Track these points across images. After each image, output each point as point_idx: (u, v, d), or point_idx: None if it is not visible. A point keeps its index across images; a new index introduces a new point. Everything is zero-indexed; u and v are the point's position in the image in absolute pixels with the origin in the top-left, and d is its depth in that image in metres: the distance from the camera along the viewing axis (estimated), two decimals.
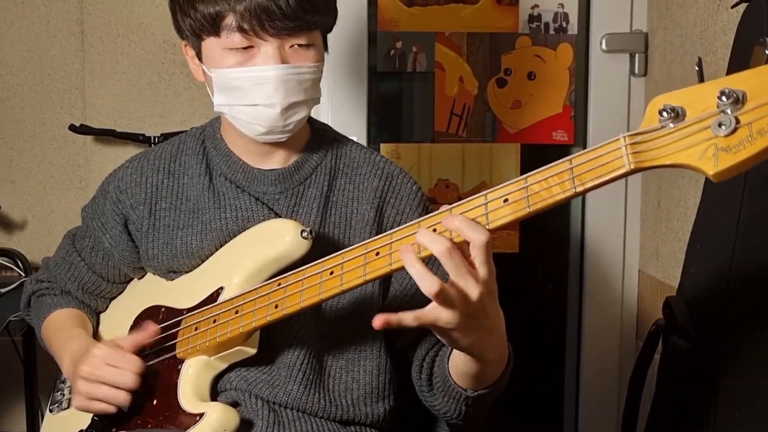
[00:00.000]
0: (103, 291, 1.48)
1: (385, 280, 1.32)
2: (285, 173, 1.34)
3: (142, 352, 1.30)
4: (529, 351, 1.81)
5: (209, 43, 1.25)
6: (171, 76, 2.35)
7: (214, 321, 1.23)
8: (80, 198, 2.33)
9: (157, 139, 2.24)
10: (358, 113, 2.32)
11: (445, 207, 1.01)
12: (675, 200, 2.11)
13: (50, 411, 1.47)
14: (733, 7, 1.62)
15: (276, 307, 1.15)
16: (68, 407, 1.43)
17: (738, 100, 0.82)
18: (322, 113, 2.28)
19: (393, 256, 1.02)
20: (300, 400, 1.28)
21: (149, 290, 1.41)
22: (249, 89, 1.23)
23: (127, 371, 1.25)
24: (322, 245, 1.14)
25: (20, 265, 2.23)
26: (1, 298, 2.08)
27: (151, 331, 1.30)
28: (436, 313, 0.99)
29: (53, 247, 1.54)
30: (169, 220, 1.36)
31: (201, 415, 1.20)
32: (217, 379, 1.29)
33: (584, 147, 2.20)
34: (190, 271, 1.35)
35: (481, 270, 0.98)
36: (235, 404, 1.27)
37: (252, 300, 1.19)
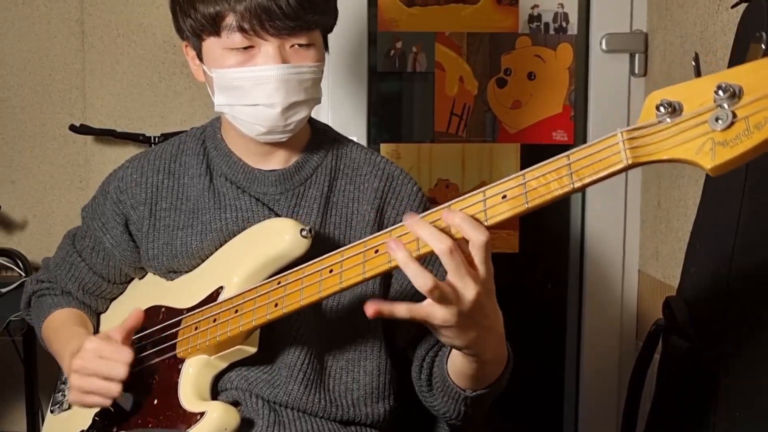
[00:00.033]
0: (103, 291, 1.48)
1: (385, 279, 1.32)
2: (285, 174, 1.34)
3: (143, 349, 1.30)
4: (529, 351, 1.81)
5: (210, 44, 1.25)
6: (171, 77, 2.35)
7: (214, 320, 1.23)
8: (80, 198, 2.33)
9: (157, 139, 2.25)
10: (358, 113, 2.33)
11: (444, 205, 1.01)
12: (675, 200, 2.12)
13: (51, 412, 1.47)
14: (733, 7, 1.62)
15: (276, 305, 1.15)
16: (69, 408, 1.43)
17: (735, 94, 0.82)
18: (323, 113, 2.28)
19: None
20: (300, 400, 1.28)
21: (149, 290, 1.41)
22: (249, 89, 1.23)
23: (118, 363, 1.24)
24: (322, 246, 1.14)
25: (20, 265, 2.23)
26: (1, 298, 2.08)
27: (135, 315, 1.29)
28: (430, 309, 0.99)
29: (53, 248, 1.54)
30: (169, 220, 1.36)
31: (202, 414, 1.21)
32: (218, 378, 1.29)
33: None
34: (190, 271, 1.35)
35: (480, 269, 0.98)
36: (235, 404, 1.27)
37: (252, 299, 1.19)
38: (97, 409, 1.35)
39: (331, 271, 1.09)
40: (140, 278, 1.46)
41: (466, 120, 2.34)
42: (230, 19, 1.20)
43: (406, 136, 2.41)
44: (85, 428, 1.34)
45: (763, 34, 1.44)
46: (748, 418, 1.41)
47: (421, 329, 1.30)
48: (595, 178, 0.91)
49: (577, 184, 0.92)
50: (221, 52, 1.24)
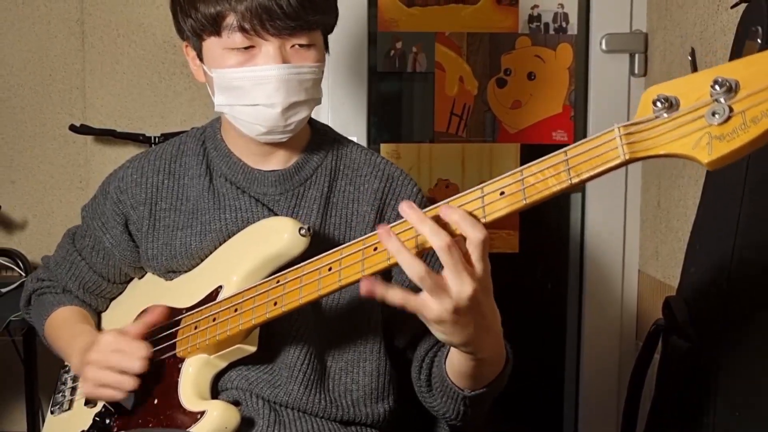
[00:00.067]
0: (103, 291, 1.48)
1: (385, 279, 1.32)
2: (285, 174, 1.34)
3: (149, 339, 1.30)
4: (529, 351, 1.81)
5: (210, 43, 1.25)
6: (171, 77, 2.35)
7: (214, 319, 1.23)
8: (80, 198, 2.33)
9: (157, 139, 2.25)
10: (358, 113, 2.33)
11: (442, 202, 1.01)
12: (675, 200, 2.12)
13: (51, 412, 1.47)
14: (732, 7, 1.62)
15: (275, 304, 1.15)
16: (69, 408, 1.43)
17: (731, 88, 0.83)
18: (323, 113, 2.29)
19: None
20: (301, 401, 1.28)
21: (149, 290, 1.41)
22: (250, 89, 1.23)
23: (134, 356, 1.25)
24: (321, 246, 1.14)
25: (20, 265, 2.23)
26: (1, 298, 2.08)
27: (157, 312, 1.29)
28: (423, 301, 0.98)
29: (53, 247, 1.54)
30: (169, 220, 1.36)
31: (202, 413, 1.21)
32: (218, 377, 1.29)
33: None
34: (189, 271, 1.35)
35: (477, 266, 0.98)
36: (236, 403, 1.27)
37: (251, 298, 1.19)
38: (97, 409, 1.35)
39: (330, 269, 1.09)
40: (140, 278, 1.46)
41: (466, 120, 2.35)
42: (231, 19, 1.20)
43: (406, 136, 2.41)
44: (86, 428, 1.34)
45: (759, 29, 1.44)
46: (748, 418, 1.42)
47: (421, 330, 1.30)
48: (592, 173, 0.91)
49: (575, 180, 0.92)
50: (221, 52, 1.24)
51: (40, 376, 2.19)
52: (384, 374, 1.34)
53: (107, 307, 1.51)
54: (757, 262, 1.42)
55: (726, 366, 1.44)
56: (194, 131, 1.43)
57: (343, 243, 1.29)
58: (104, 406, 1.35)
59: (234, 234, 1.31)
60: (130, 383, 1.25)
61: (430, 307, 0.98)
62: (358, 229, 1.32)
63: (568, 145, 0.94)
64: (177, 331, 1.29)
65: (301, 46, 1.24)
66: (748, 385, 1.42)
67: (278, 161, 1.35)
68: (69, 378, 1.48)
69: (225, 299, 1.23)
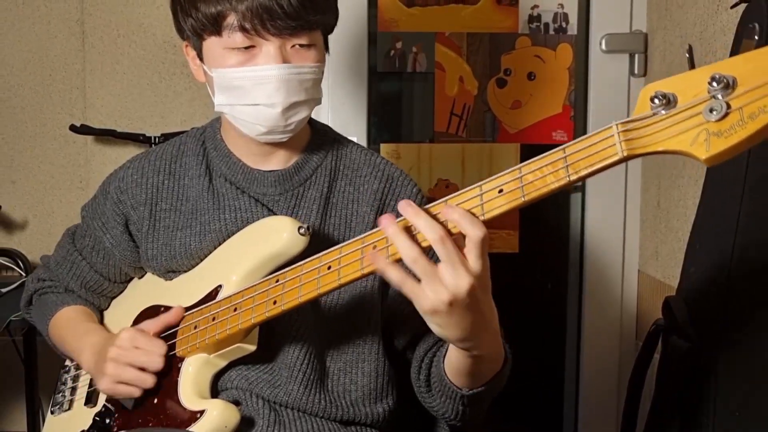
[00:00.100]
0: (105, 290, 1.48)
1: (384, 279, 1.32)
2: (285, 174, 1.34)
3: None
4: (529, 351, 1.81)
5: (210, 43, 1.25)
6: (171, 77, 2.35)
7: (213, 319, 1.23)
8: (81, 198, 2.33)
9: (157, 139, 2.25)
10: (358, 113, 2.33)
11: (441, 199, 1.01)
12: (674, 200, 2.12)
13: (51, 413, 1.47)
14: (732, 7, 1.62)
15: (274, 303, 1.15)
16: (69, 408, 1.43)
17: (728, 85, 0.83)
18: (323, 113, 2.29)
19: (390, 249, 1.02)
20: (301, 401, 1.29)
21: (149, 290, 1.41)
22: (250, 89, 1.23)
23: (154, 354, 1.26)
24: (321, 247, 1.14)
25: (21, 265, 2.23)
26: (1, 298, 2.08)
27: (175, 312, 1.30)
28: (420, 287, 0.98)
29: (54, 247, 1.54)
30: (169, 221, 1.36)
31: (202, 412, 1.21)
32: (218, 377, 1.29)
33: None
34: (189, 270, 1.36)
35: (475, 263, 0.97)
36: (236, 403, 1.27)
37: (250, 297, 1.19)
38: (97, 409, 1.36)
39: (329, 267, 1.09)
40: (139, 278, 1.46)
41: (466, 120, 2.35)
42: (232, 19, 1.20)
43: (406, 136, 2.41)
44: (86, 428, 1.35)
45: (756, 25, 1.44)
46: (748, 418, 1.42)
47: (420, 331, 1.30)
48: (591, 170, 0.91)
49: (573, 177, 0.92)
50: (222, 52, 1.24)
51: (41, 376, 2.19)
52: (383, 375, 1.34)
53: (108, 306, 1.51)
54: (758, 261, 1.42)
55: (726, 366, 1.44)
56: (194, 131, 1.43)
57: None
58: (104, 405, 1.35)
59: (234, 234, 1.31)
60: (149, 380, 1.26)
61: (425, 294, 0.98)
62: (358, 230, 1.32)
63: None
64: (177, 330, 1.29)
65: (301, 46, 1.24)
66: (747, 386, 1.42)
67: (278, 161, 1.35)
68: (69, 378, 1.48)
69: (224, 298, 1.23)
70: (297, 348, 1.28)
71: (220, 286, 1.27)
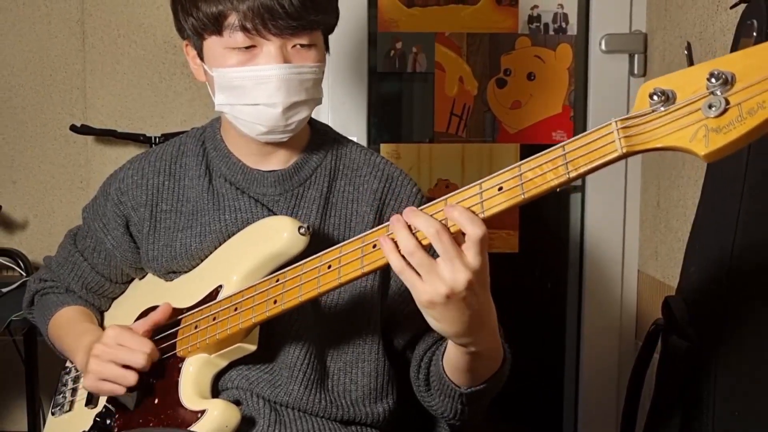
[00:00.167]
0: (106, 290, 1.48)
1: (384, 278, 1.33)
2: (284, 174, 1.34)
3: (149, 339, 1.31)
4: (529, 351, 1.82)
5: (211, 43, 1.25)
6: (172, 77, 2.35)
7: (214, 319, 1.23)
8: (81, 198, 2.33)
9: (157, 139, 2.25)
10: (359, 113, 2.33)
11: (441, 198, 1.01)
12: (674, 200, 2.12)
13: (52, 414, 1.47)
14: (732, 7, 1.62)
15: (275, 302, 1.16)
16: (70, 410, 1.43)
17: (727, 81, 0.83)
18: (323, 113, 2.29)
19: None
20: (301, 401, 1.29)
21: (149, 291, 1.41)
22: (251, 88, 1.23)
23: (138, 351, 1.26)
24: (321, 247, 1.14)
25: (21, 265, 2.23)
26: (2, 298, 2.08)
27: (162, 310, 1.30)
28: (417, 280, 0.99)
29: (54, 247, 1.55)
30: (169, 222, 1.36)
31: (202, 411, 1.21)
32: (218, 377, 1.29)
33: None
34: (190, 271, 1.36)
35: (474, 259, 0.98)
36: (236, 403, 1.27)
37: (251, 296, 1.19)
38: (98, 410, 1.36)
39: (329, 266, 1.09)
40: (140, 278, 1.46)
41: (466, 120, 2.35)
42: (233, 19, 1.21)
43: (406, 137, 2.41)
44: (87, 429, 1.35)
45: (754, 22, 1.44)
46: (747, 418, 1.42)
47: (420, 330, 1.30)
48: (590, 167, 0.91)
49: (573, 174, 0.92)
50: (222, 52, 1.24)
51: (41, 376, 2.19)
52: (383, 374, 1.34)
53: (109, 307, 1.51)
54: (757, 261, 1.42)
55: (725, 365, 1.44)
56: (194, 131, 1.43)
57: None
58: (105, 406, 1.35)
59: (234, 234, 1.31)
60: (132, 378, 1.26)
61: (423, 286, 0.99)
62: (358, 230, 1.32)
63: None
64: (177, 330, 1.29)
65: (302, 46, 1.24)
66: (747, 385, 1.43)
67: (278, 161, 1.35)
68: (69, 379, 1.48)
69: (225, 298, 1.24)
70: (297, 348, 1.29)
71: (220, 286, 1.27)
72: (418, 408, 1.34)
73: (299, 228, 1.21)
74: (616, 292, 2.40)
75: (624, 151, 0.89)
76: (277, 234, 1.23)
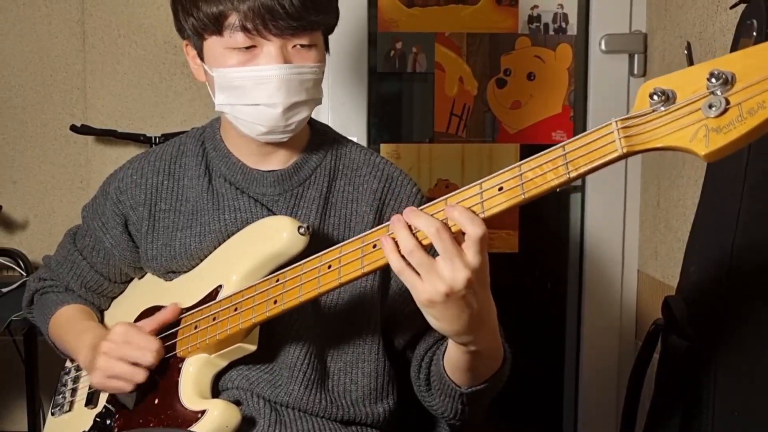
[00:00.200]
0: (105, 290, 1.48)
1: (384, 279, 1.33)
2: (284, 174, 1.34)
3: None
4: (529, 350, 1.82)
5: (211, 43, 1.25)
6: (172, 77, 2.35)
7: (214, 319, 1.23)
8: (81, 198, 2.33)
9: (158, 139, 2.25)
10: (359, 114, 2.33)
11: (441, 198, 1.02)
12: (674, 200, 2.12)
13: (52, 414, 1.47)
14: (732, 8, 1.62)
15: (275, 302, 1.16)
16: (70, 410, 1.44)
17: (727, 81, 0.83)
18: (323, 114, 2.29)
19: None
20: (301, 401, 1.29)
21: (149, 290, 1.41)
22: (251, 89, 1.23)
23: (146, 349, 1.26)
24: (321, 247, 1.14)
25: (21, 264, 2.23)
26: (2, 297, 2.08)
27: (170, 310, 1.30)
28: (417, 279, 0.99)
29: (54, 247, 1.55)
30: (168, 221, 1.37)
31: (203, 412, 1.21)
32: (218, 377, 1.29)
33: None
34: (189, 271, 1.36)
35: (474, 258, 0.98)
36: (237, 403, 1.27)
37: (251, 297, 1.19)
38: (98, 410, 1.36)
39: (329, 266, 1.09)
40: (139, 278, 1.46)
41: (466, 120, 2.35)
42: (233, 19, 1.21)
43: (406, 137, 2.41)
44: (87, 429, 1.35)
45: (754, 21, 1.44)
46: (747, 418, 1.42)
47: (420, 330, 1.30)
48: (590, 167, 0.91)
49: (573, 174, 0.92)
50: (223, 52, 1.24)
51: (42, 376, 2.19)
52: (383, 375, 1.34)
53: (109, 306, 1.51)
54: (757, 261, 1.42)
55: (725, 365, 1.44)
56: (194, 131, 1.43)
57: None
58: (105, 406, 1.35)
59: (233, 234, 1.31)
60: (141, 375, 1.26)
61: (423, 285, 0.99)
62: (357, 230, 1.32)
63: None
64: (177, 331, 1.29)
65: (302, 46, 1.24)
66: (747, 385, 1.43)
67: (277, 161, 1.35)
68: (69, 380, 1.49)
69: (225, 298, 1.24)
70: (297, 348, 1.29)
71: (220, 286, 1.27)
72: (419, 408, 1.34)
73: (299, 228, 1.21)
74: (616, 292, 2.40)
75: (624, 151, 0.89)
76: (276, 234, 1.23)
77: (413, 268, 1.00)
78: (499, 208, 0.97)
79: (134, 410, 1.30)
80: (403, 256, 1.00)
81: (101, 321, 1.49)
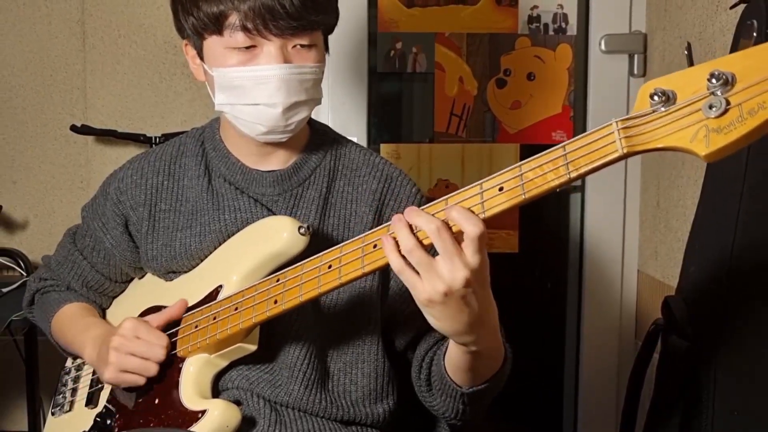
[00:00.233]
0: (106, 289, 1.49)
1: (384, 279, 1.33)
2: (283, 175, 1.34)
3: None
4: (529, 350, 1.81)
5: (211, 42, 1.25)
6: (172, 77, 2.35)
7: (214, 318, 1.23)
8: (81, 198, 2.33)
9: (158, 139, 2.25)
10: (359, 114, 2.33)
11: (442, 198, 1.02)
12: (674, 200, 2.12)
13: (52, 414, 1.47)
14: (731, 8, 1.62)
15: (275, 302, 1.16)
16: (70, 410, 1.44)
17: (728, 81, 0.83)
18: (323, 114, 2.29)
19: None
20: (301, 401, 1.29)
21: (149, 290, 1.41)
22: (251, 88, 1.23)
23: (156, 345, 1.26)
24: (320, 247, 1.14)
25: (22, 264, 2.23)
26: (2, 297, 2.08)
27: (178, 306, 1.30)
28: (416, 279, 1.00)
29: (54, 247, 1.55)
30: (168, 221, 1.37)
31: (203, 412, 1.21)
32: (219, 377, 1.29)
33: None
34: (189, 271, 1.36)
35: (473, 257, 0.98)
36: (237, 403, 1.27)
37: (251, 296, 1.19)
38: (98, 410, 1.36)
39: (330, 266, 1.09)
40: (140, 278, 1.46)
41: (466, 120, 2.35)
42: (233, 19, 1.21)
43: (406, 137, 2.41)
44: (87, 429, 1.35)
45: (754, 22, 1.44)
46: (747, 418, 1.42)
47: (421, 331, 1.30)
48: (591, 167, 0.91)
49: (574, 174, 0.93)
50: (223, 51, 1.24)
51: (42, 376, 2.19)
52: (382, 375, 1.34)
53: (110, 305, 1.51)
54: (757, 261, 1.42)
55: (725, 365, 1.44)
56: (194, 131, 1.43)
57: None
58: (105, 406, 1.35)
59: (233, 234, 1.31)
60: (153, 368, 1.27)
61: (422, 285, 0.99)
62: (357, 230, 1.32)
63: None
64: (177, 330, 1.29)
65: (302, 46, 1.24)
66: (746, 385, 1.43)
67: (277, 161, 1.35)
68: (69, 379, 1.49)
69: (225, 298, 1.24)
70: (297, 348, 1.29)
71: (220, 286, 1.27)
72: (419, 408, 1.34)
73: (299, 228, 1.21)
74: (616, 292, 2.41)
75: (625, 151, 0.89)
76: (277, 234, 1.23)
77: (413, 268, 1.00)
78: (500, 208, 0.97)
79: (134, 410, 1.30)
80: (403, 256, 1.00)
81: (103, 318, 1.49)
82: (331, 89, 2.30)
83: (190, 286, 1.33)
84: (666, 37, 2.18)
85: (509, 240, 2.36)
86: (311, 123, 1.39)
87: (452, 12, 2.32)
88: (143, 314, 1.36)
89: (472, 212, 0.98)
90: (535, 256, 2.48)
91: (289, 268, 1.16)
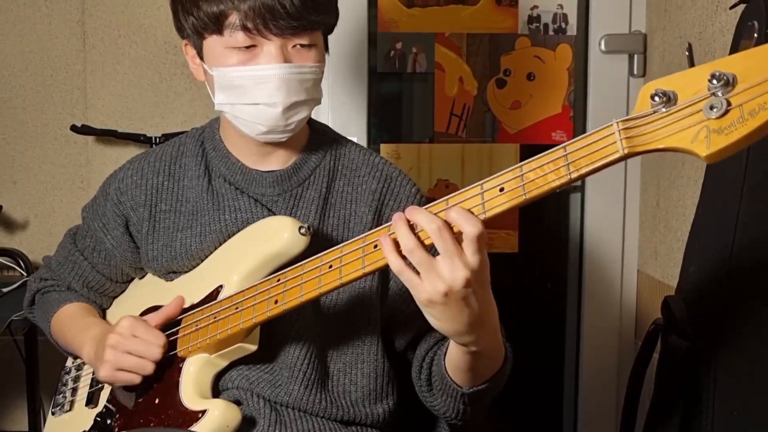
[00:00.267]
0: (107, 289, 1.49)
1: (384, 279, 1.33)
2: (283, 175, 1.34)
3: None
4: (529, 350, 1.81)
5: (211, 42, 1.25)
6: (172, 77, 2.35)
7: (215, 318, 1.23)
8: (82, 198, 2.33)
9: (158, 139, 2.25)
10: (359, 114, 2.33)
11: (442, 198, 1.02)
12: (674, 200, 2.12)
13: (52, 414, 1.47)
14: (731, 8, 1.62)
15: (276, 302, 1.16)
16: (70, 409, 1.44)
17: (729, 82, 0.83)
18: (323, 114, 2.29)
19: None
20: (301, 401, 1.29)
21: (150, 290, 1.41)
22: (251, 88, 1.23)
23: (153, 344, 1.26)
24: (320, 247, 1.14)
25: (22, 264, 2.23)
26: (2, 298, 2.08)
27: (174, 304, 1.30)
28: (416, 279, 1.00)
29: (55, 247, 1.55)
30: (168, 222, 1.37)
31: (203, 411, 1.21)
32: (219, 377, 1.29)
33: None
34: (190, 271, 1.36)
35: (473, 258, 0.98)
36: (237, 403, 1.27)
37: (251, 296, 1.19)
38: (98, 410, 1.36)
39: (330, 266, 1.09)
40: (140, 278, 1.46)
41: (466, 120, 2.35)
42: (233, 18, 1.21)
43: (406, 137, 2.42)
44: (87, 429, 1.35)
45: (755, 23, 1.44)
46: (747, 418, 1.42)
47: (421, 331, 1.31)
48: (591, 168, 0.91)
49: (574, 175, 0.93)
50: (223, 51, 1.24)
51: (42, 376, 2.19)
52: (382, 375, 1.34)
53: (110, 305, 1.51)
54: (757, 261, 1.42)
55: (725, 365, 1.44)
56: (193, 132, 1.43)
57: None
58: (105, 406, 1.35)
59: (234, 235, 1.31)
60: (149, 367, 1.26)
61: (422, 285, 0.99)
62: (356, 230, 1.32)
63: None
64: (178, 330, 1.29)
65: (302, 46, 1.24)
66: (746, 385, 1.43)
67: (277, 161, 1.35)
68: (70, 379, 1.49)
69: (226, 298, 1.24)
70: (298, 348, 1.29)
71: (221, 286, 1.27)
72: (419, 408, 1.34)
73: (300, 228, 1.21)
74: (616, 292, 2.41)
75: (625, 152, 0.89)
76: (277, 234, 1.23)
77: (413, 268, 1.00)
78: (501, 209, 0.97)
79: (135, 410, 1.30)
80: (403, 256, 1.00)
81: (103, 318, 1.49)
82: (331, 89, 2.30)
83: (191, 286, 1.33)
84: (666, 38, 2.18)
85: (509, 240, 2.37)
86: (311, 123, 1.39)
87: (452, 12, 2.32)
88: (143, 314, 1.36)
89: (471, 212, 0.98)
90: (535, 256, 2.48)
91: (290, 268, 1.16)
